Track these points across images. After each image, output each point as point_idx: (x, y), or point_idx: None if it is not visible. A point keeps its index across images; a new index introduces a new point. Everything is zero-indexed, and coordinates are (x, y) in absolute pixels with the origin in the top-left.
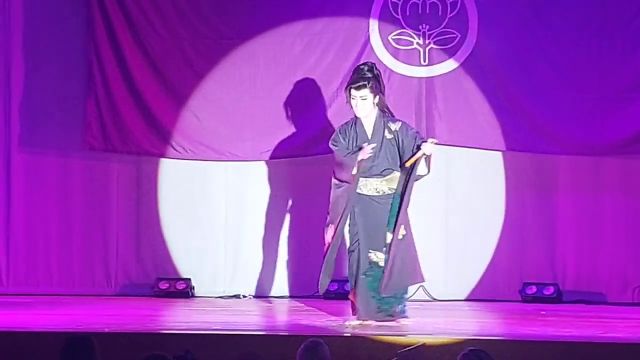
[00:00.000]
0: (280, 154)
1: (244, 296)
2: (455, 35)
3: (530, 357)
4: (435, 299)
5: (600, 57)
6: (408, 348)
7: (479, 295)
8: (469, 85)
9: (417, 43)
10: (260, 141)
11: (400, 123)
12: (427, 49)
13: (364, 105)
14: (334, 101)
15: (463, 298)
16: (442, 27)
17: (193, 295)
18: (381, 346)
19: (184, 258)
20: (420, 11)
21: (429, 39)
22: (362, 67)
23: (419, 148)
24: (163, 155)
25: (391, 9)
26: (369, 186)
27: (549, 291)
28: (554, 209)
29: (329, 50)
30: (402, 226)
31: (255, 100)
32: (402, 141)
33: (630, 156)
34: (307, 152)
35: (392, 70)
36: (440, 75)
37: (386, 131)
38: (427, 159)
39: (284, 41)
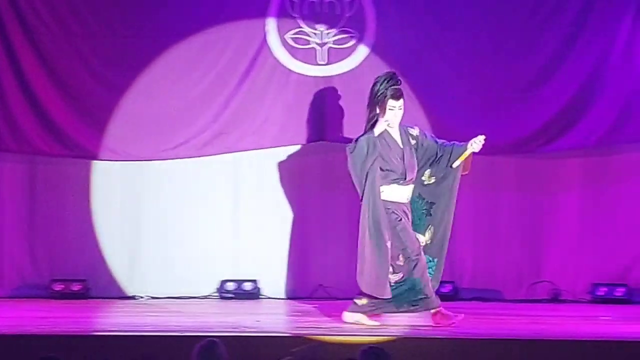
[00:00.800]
0: (178, 154)
1: (140, 297)
2: (353, 35)
3: (429, 354)
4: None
5: (496, 57)
6: (301, 347)
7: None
8: (367, 85)
9: (315, 42)
10: (157, 140)
11: (418, 129)
12: (325, 48)
13: (400, 115)
14: (231, 101)
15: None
16: (339, 26)
17: (89, 297)
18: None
19: (80, 259)
20: (317, 10)
21: (326, 38)
22: (393, 75)
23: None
24: (58, 155)
25: (288, 7)
26: (400, 194)
27: (447, 289)
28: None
29: (226, 49)
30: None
31: (152, 99)
32: (422, 145)
33: (525, 155)
34: (204, 152)
35: (289, 70)
36: (339, 74)
37: (410, 138)
38: (468, 157)
39: (180, 41)
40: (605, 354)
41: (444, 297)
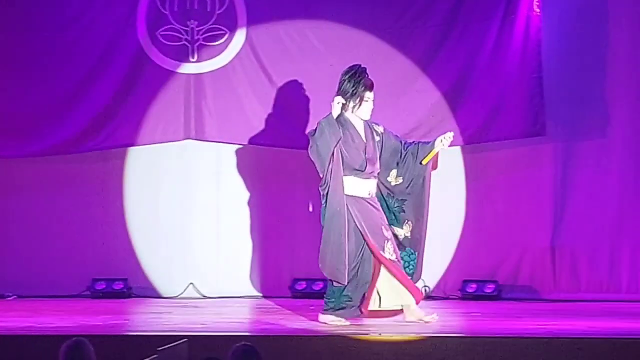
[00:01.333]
0: (50, 151)
1: (9, 295)
2: (224, 32)
3: (299, 351)
4: (205, 297)
5: (373, 53)
6: (169, 345)
7: (251, 292)
8: (239, 82)
9: (186, 39)
10: (28, 137)
11: (382, 126)
12: (195, 45)
13: (371, 106)
14: (102, 98)
15: (237, 295)
16: (210, 23)
17: None
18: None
19: None
20: (188, 7)
21: (197, 35)
22: (363, 68)
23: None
24: None
25: (159, 4)
26: (361, 188)
27: (318, 287)
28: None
29: (96, 46)
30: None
31: (25, 95)
32: (387, 143)
33: None
34: (75, 148)
35: (160, 67)
36: (210, 72)
37: (374, 133)
38: (435, 155)
39: (50, 35)
40: (474, 350)
41: (315, 295)
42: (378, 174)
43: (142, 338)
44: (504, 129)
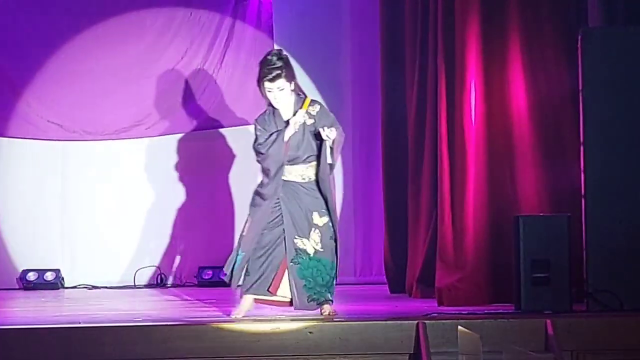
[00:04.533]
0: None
1: None
2: None
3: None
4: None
5: (100, 37)
6: None
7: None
8: None
9: None
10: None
11: (319, 106)
12: None
13: (282, 95)
14: None
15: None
16: None
17: None
18: None
19: None
20: None
21: None
22: (269, 57)
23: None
24: None
25: None
26: (294, 173)
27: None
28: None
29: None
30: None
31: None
32: (321, 126)
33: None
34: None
35: None
36: None
37: (306, 116)
38: (334, 148)
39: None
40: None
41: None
42: (317, 157)
43: None
44: (237, 116)
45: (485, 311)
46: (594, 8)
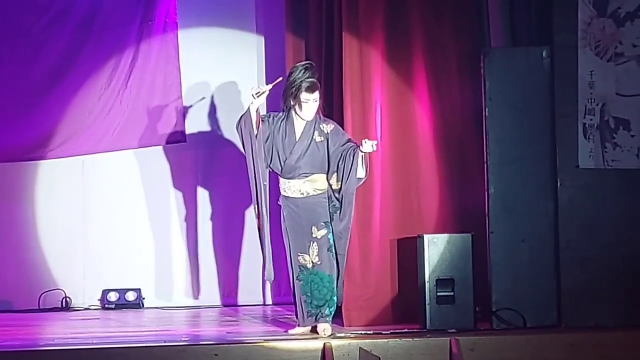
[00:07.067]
0: None
1: None
2: None
3: None
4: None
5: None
6: None
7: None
8: None
9: None
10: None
11: (333, 125)
12: None
13: (314, 107)
14: None
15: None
16: None
17: None
18: None
19: None
20: None
21: None
22: (308, 66)
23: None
24: None
25: None
26: (293, 188)
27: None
28: None
29: None
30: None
31: None
32: (331, 143)
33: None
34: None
35: None
36: None
37: (316, 133)
38: (364, 161)
39: None
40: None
41: None
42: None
43: None
44: (146, 135)
45: (391, 331)
46: (497, 29)
